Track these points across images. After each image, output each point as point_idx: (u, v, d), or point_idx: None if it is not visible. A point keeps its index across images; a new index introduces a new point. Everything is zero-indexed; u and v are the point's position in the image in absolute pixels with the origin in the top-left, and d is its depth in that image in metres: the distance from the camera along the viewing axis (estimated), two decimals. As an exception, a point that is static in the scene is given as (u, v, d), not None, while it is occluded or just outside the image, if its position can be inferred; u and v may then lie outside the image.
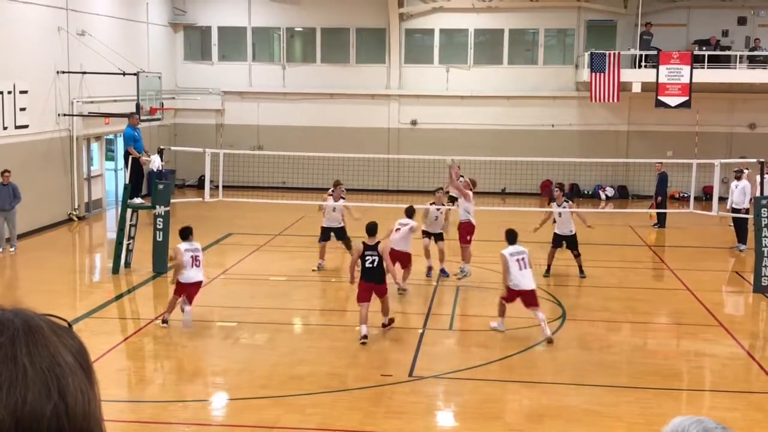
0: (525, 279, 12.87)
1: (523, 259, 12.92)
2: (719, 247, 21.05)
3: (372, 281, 12.73)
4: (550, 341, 12.67)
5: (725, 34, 28.85)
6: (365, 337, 12.48)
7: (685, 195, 24.39)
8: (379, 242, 12.94)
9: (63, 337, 1.32)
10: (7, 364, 1.22)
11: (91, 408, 1.29)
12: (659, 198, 22.81)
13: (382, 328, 13.05)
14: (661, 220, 23.19)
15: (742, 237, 20.08)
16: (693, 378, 11.86)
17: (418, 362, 11.81)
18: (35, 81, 21.28)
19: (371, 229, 13.10)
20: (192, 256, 13.12)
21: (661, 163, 22.95)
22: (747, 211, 19.51)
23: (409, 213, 15.85)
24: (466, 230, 16.59)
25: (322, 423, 9.64)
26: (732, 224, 21.29)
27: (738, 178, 20.18)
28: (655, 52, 26.73)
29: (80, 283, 18.16)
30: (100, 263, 19.52)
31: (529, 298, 12.89)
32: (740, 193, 19.94)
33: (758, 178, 20.87)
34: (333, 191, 17.71)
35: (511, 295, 12.95)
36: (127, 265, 17.27)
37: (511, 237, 13.38)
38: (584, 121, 29.54)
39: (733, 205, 20.12)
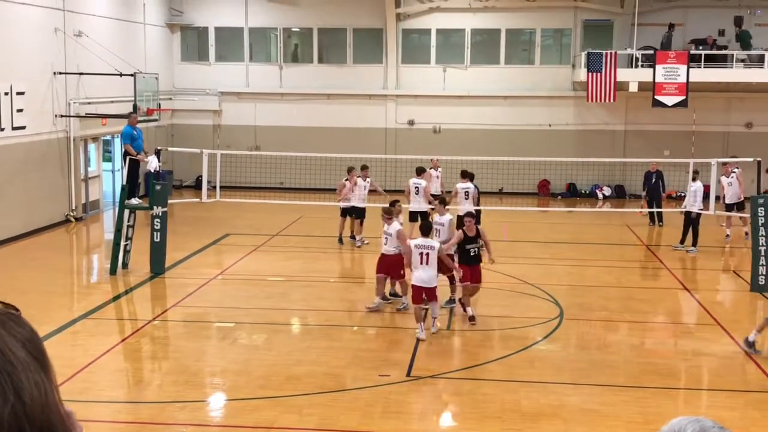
0: None
1: None
2: (716, 246, 21.08)
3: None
4: None
5: (722, 33, 28.88)
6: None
7: (682, 194, 24.39)
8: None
9: (11, 327, 1.26)
10: None
11: (48, 400, 1.24)
12: (664, 195, 22.96)
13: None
14: (660, 217, 23.31)
15: (685, 238, 19.97)
16: (691, 377, 11.87)
17: (416, 362, 11.81)
18: (32, 82, 21.26)
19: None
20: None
21: (657, 162, 23.13)
22: (698, 214, 19.57)
23: (426, 231, 13.36)
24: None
25: (320, 423, 9.64)
26: (724, 224, 21.42)
27: (694, 180, 20.08)
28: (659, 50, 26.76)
29: (78, 284, 18.14)
30: (97, 264, 19.51)
31: None
32: (692, 194, 19.84)
33: (733, 177, 21.02)
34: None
35: None
36: (125, 266, 17.26)
37: None
38: (581, 120, 29.57)
39: (687, 206, 20.01)
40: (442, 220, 15.02)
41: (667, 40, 28.00)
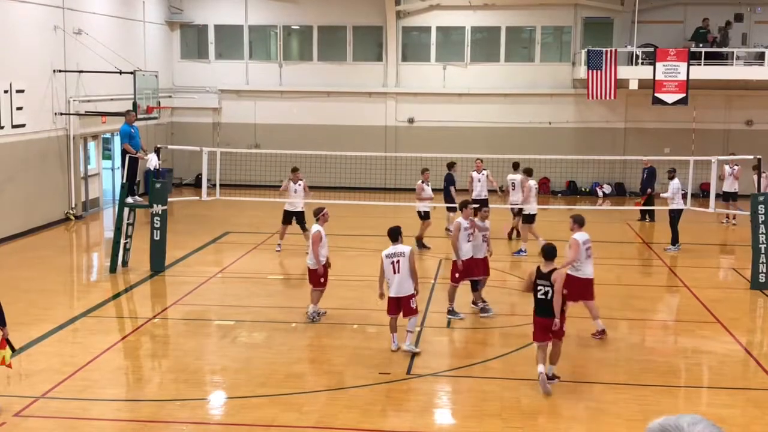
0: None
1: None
2: (716, 244, 21.07)
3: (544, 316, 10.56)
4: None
5: (722, 30, 28.84)
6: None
7: (682, 192, 24.42)
8: (554, 269, 10.56)
9: None
10: None
11: None
12: (649, 191, 22.92)
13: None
14: (651, 214, 23.34)
15: (673, 238, 19.78)
16: (691, 375, 11.86)
17: (416, 360, 11.80)
18: (32, 80, 21.25)
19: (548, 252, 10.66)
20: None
21: (649, 159, 23.15)
22: (678, 212, 19.46)
23: (394, 237, 12.17)
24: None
25: (319, 421, 9.63)
26: (729, 221, 21.39)
27: (671, 178, 19.98)
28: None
29: (78, 282, 18.13)
30: (97, 262, 19.50)
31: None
32: (671, 192, 19.71)
33: (734, 169, 21.03)
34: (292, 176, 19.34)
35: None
36: (125, 264, 17.27)
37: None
38: (581, 118, 29.56)
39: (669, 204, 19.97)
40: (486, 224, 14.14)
41: (723, 37, 27.86)
